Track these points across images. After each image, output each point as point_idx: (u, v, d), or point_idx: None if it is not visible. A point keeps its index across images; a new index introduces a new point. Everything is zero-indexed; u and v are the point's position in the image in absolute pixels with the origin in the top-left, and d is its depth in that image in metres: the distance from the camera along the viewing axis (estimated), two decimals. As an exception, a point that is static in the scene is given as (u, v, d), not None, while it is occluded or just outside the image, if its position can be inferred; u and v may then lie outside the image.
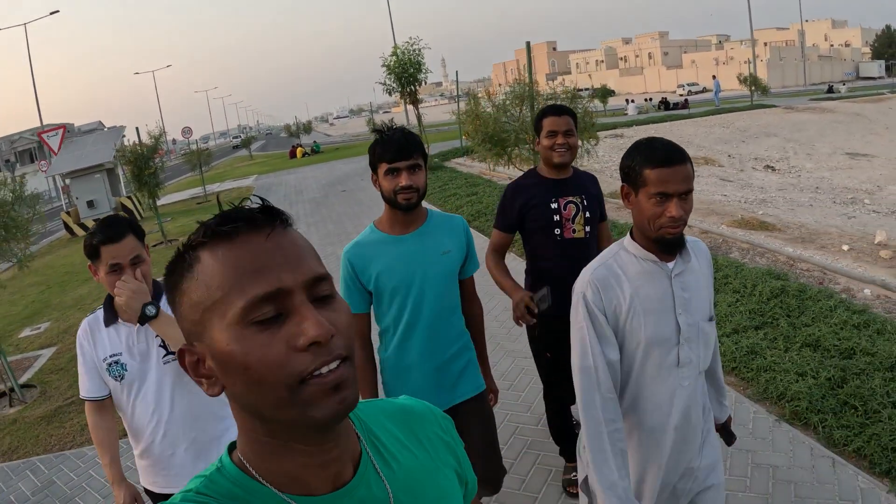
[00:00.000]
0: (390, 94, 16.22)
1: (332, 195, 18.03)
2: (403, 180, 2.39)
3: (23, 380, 7.02)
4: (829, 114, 34.52)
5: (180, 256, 0.79)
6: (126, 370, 2.39)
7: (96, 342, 2.42)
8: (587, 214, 3.21)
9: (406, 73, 15.36)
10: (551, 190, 3.20)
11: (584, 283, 1.99)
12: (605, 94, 39.38)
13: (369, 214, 12.70)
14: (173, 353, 2.39)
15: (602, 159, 16.54)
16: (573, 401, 3.38)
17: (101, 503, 4.45)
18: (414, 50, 15.46)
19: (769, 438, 3.84)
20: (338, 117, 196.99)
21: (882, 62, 79.44)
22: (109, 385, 2.44)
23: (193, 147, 27.27)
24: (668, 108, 41.13)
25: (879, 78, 73.21)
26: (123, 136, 20.88)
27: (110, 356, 2.39)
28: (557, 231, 3.18)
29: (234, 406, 0.81)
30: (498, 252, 3.37)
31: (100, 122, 28.26)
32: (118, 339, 2.40)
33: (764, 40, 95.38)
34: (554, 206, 3.17)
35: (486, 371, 2.82)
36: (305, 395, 0.74)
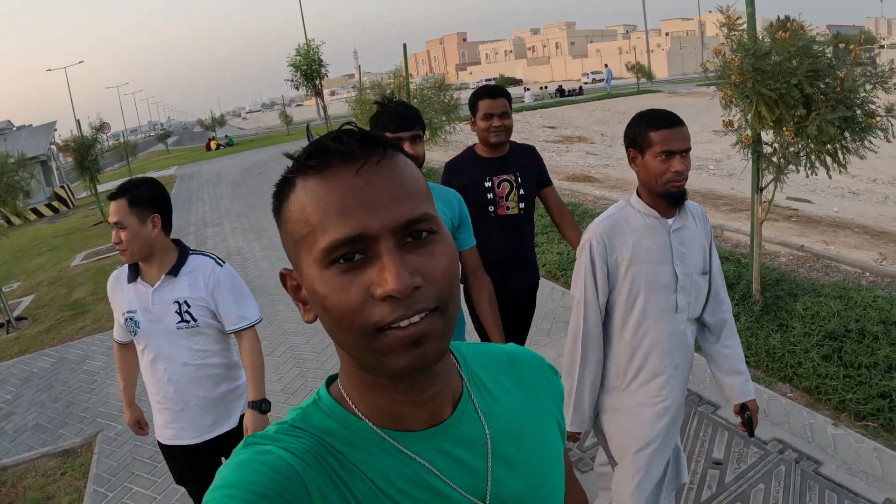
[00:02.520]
0: (297, 88, 18.69)
1: (251, 178, 20.33)
2: (407, 150, 2.36)
3: (15, 314, 9.20)
4: (708, 97, 38.13)
5: (281, 182, 0.76)
6: (139, 327, 2.51)
7: (117, 295, 2.58)
8: (521, 192, 3.26)
9: (310, 70, 17.90)
10: (486, 169, 3.25)
11: (590, 233, 2.23)
12: (503, 83, 42.57)
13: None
14: (188, 321, 2.50)
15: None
16: None
17: (105, 361, 6.58)
18: (314, 49, 18.01)
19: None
20: (250, 111, 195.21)
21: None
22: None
23: (111, 142, 28.78)
24: (564, 95, 44.40)
25: None
26: (55, 130, 22.56)
27: (127, 311, 2.53)
28: (491, 209, 3.24)
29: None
30: None
31: (9, 121, 28.84)
32: (135, 297, 2.51)
33: (669, 31, 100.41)
34: (488, 184, 3.22)
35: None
36: (382, 344, 0.70)
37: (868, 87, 4.30)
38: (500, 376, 0.92)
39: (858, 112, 4.31)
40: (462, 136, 17.59)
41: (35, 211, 21.62)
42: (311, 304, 0.76)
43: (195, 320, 2.50)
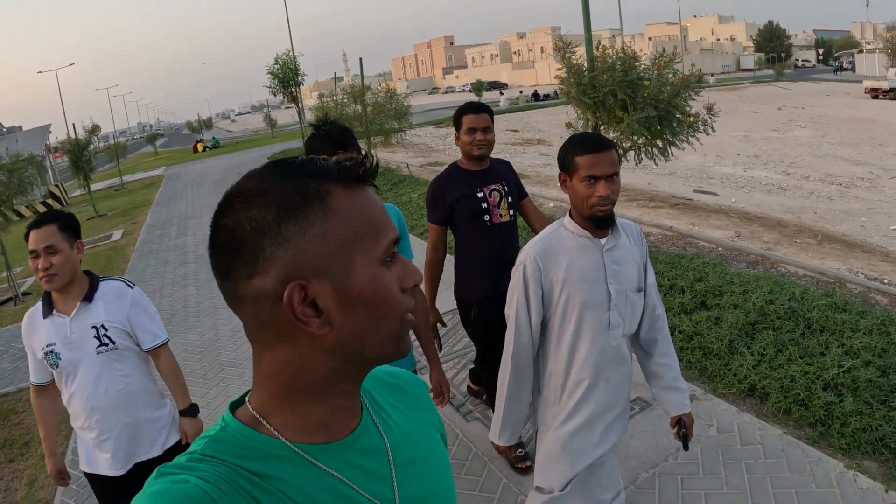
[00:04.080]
0: (274, 94, 20.45)
1: (232, 176, 21.82)
2: None
3: (21, 290, 10.85)
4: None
5: (305, 190, 0.78)
6: (60, 359, 2.52)
7: (34, 332, 2.58)
8: (509, 199, 3.44)
9: (286, 78, 19.65)
10: (475, 181, 3.39)
11: (525, 255, 2.31)
12: (479, 87, 44.56)
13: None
14: (107, 344, 2.54)
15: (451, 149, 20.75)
16: None
17: None
18: (291, 58, 19.75)
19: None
20: (240, 114, 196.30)
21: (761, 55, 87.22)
22: (50, 372, 2.60)
23: (101, 144, 30.47)
24: (539, 99, 46.23)
25: (757, 69, 79.50)
26: (49, 132, 24.22)
27: (46, 346, 2.53)
28: (487, 217, 3.38)
29: (292, 353, 0.80)
30: (436, 249, 3.54)
31: None
32: (53, 330, 2.53)
33: (653, 35, 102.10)
34: (480, 195, 3.37)
35: (436, 368, 2.83)
36: (404, 329, 0.85)
37: (684, 92, 5.92)
38: (385, 393, 0.99)
39: (678, 113, 5.93)
40: (416, 139, 19.17)
41: (30, 208, 23.21)
42: (344, 307, 0.78)
43: (113, 342, 2.57)
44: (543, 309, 2.32)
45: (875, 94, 41.18)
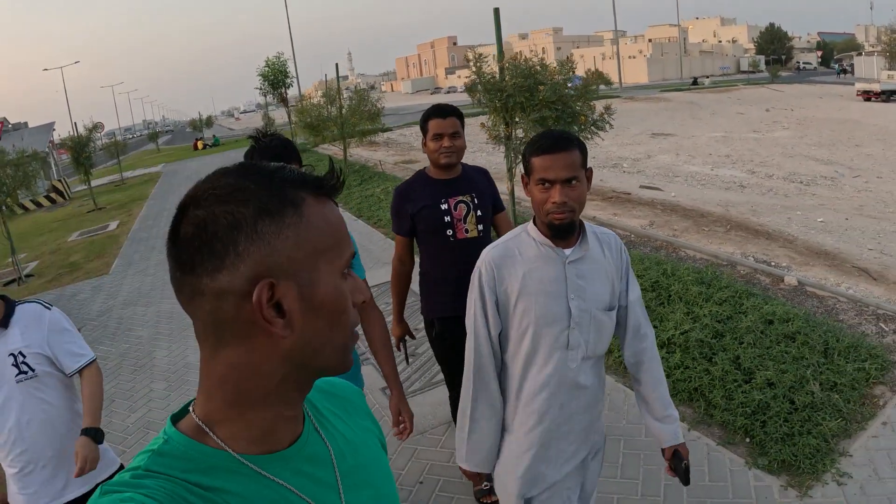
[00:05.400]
0: (264, 95, 21.47)
1: (226, 174, 22.96)
2: None
3: (24, 273, 11.84)
4: (665, 102, 40.02)
5: (282, 192, 0.80)
6: None
7: None
8: (479, 213, 3.16)
9: (276, 80, 20.66)
10: (440, 191, 3.13)
11: (481, 260, 2.10)
12: (469, 89, 45.38)
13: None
14: (26, 372, 2.43)
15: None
16: None
17: (90, 294, 9.27)
18: (281, 62, 20.74)
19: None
20: (244, 112, 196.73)
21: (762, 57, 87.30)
22: None
23: (104, 140, 31.59)
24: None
25: (758, 71, 78.82)
26: (53, 129, 25.32)
27: None
28: (450, 232, 3.12)
29: (247, 355, 0.81)
30: (402, 261, 3.33)
31: (5, 118, 31.03)
32: None
33: (655, 37, 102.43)
34: (444, 206, 3.10)
35: (396, 394, 2.51)
36: (352, 342, 0.88)
37: (579, 98, 6.83)
38: (324, 402, 1.01)
39: (579, 114, 6.84)
40: (401, 138, 19.96)
41: (34, 202, 24.30)
42: (305, 313, 0.80)
43: (33, 370, 2.47)
44: (500, 320, 2.11)
45: (867, 96, 40.79)
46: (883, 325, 5.22)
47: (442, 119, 3.08)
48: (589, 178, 2.04)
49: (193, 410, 0.84)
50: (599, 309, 2.07)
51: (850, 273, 6.91)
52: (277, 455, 0.85)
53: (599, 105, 7.04)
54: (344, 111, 13.99)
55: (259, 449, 0.84)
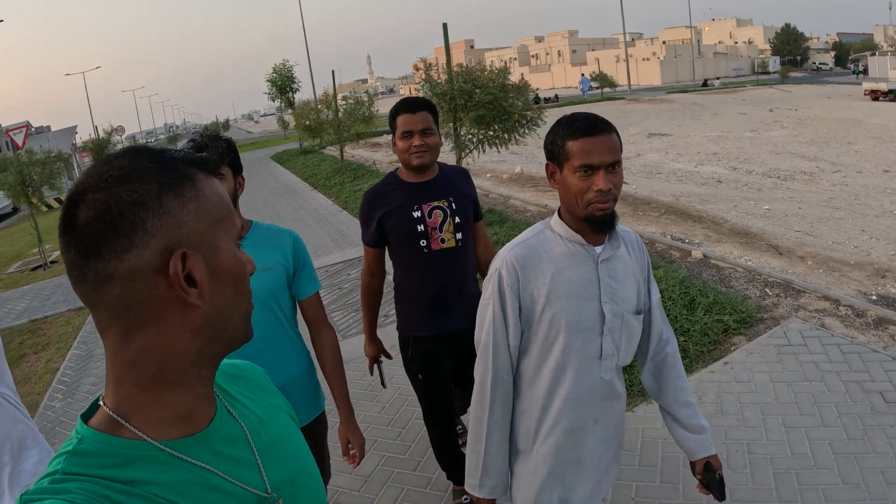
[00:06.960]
0: (273, 100, 22.73)
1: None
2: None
3: (49, 259, 13.16)
4: (667, 104, 40.03)
5: (176, 168, 0.83)
6: None
7: None
8: (457, 220, 2.80)
9: (283, 85, 21.91)
10: (413, 195, 2.77)
11: (500, 261, 1.86)
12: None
13: (252, 195, 19.18)
14: None
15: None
16: (457, 415, 3.27)
17: None
18: (287, 68, 22.01)
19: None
20: (264, 115, 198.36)
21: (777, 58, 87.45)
22: None
23: (124, 143, 33.11)
24: (538, 102, 47.15)
25: (767, 73, 78.71)
26: (76, 132, 26.92)
27: None
28: (423, 242, 2.76)
29: (158, 335, 0.81)
30: (372, 273, 3.00)
31: (28, 122, 32.38)
32: None
33: (669, 39, 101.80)
34: (417, 213, 2.75)
35: (345, 420, 2.36)
36: (250, 309, 0.92)
37: (517, 97, 7.98)
38: (231, 384, 1.02)
39: (513, 112, 7.99)
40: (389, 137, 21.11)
41: (59, 200, 25.85)
42: (213, 282, 0.83)
43: None
44: (521, 329, 1.88)
45: (875, 95, 40.02)
46: (768, 290, 6.10)
47: (411, 114, 2.74)
48: None
49: (104, 403, 0.83)
50: (630, 312, 1.90)
51: (759, 249, 7.80)
52: (195, 437, 0.86)
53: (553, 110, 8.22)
54: (340, 115, 15.17)
55: (178, 432, 0.84)
